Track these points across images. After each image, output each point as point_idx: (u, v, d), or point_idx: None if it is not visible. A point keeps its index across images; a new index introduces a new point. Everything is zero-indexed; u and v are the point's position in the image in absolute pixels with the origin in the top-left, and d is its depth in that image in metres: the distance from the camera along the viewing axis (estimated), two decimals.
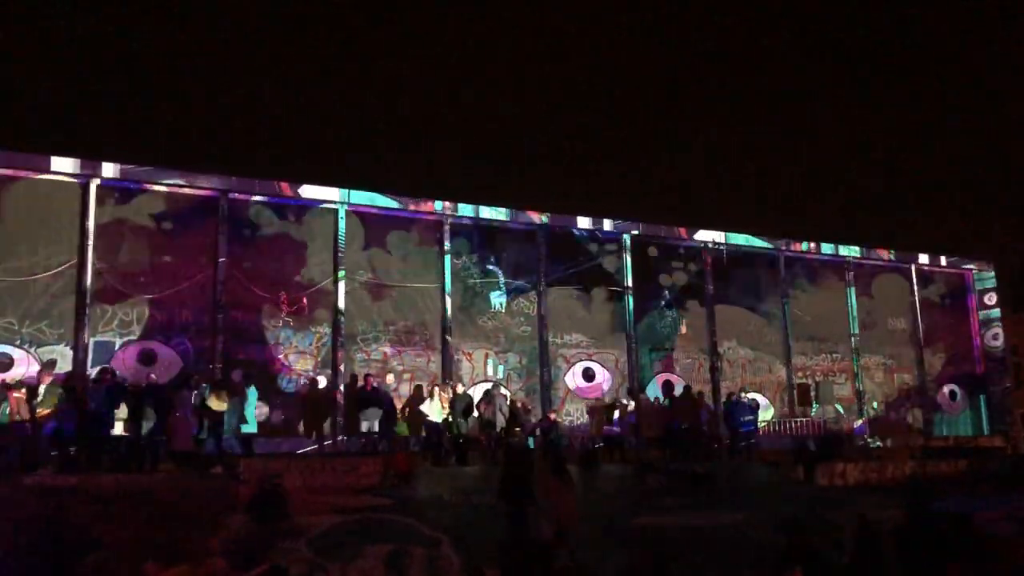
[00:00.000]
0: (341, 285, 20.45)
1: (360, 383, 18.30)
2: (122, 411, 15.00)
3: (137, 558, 6.34)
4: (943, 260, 29.15)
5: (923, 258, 28.72)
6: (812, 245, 26.99)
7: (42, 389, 14.57)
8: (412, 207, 21.67)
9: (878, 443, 24.34)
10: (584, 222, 23.72)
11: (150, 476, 14.09)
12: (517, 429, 18.13)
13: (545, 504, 10.95)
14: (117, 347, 18.21)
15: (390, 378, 19.55)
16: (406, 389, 19.98)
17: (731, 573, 11.56)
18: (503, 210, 22.73)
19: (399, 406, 18.42)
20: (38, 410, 14.18)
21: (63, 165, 18.31)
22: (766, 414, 24.29)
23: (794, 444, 21.55)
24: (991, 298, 29.21)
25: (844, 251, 27.37)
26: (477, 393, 20.74)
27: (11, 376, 16.28)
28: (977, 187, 61.19)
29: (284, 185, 20.36)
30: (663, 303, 24.46)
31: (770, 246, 26.26)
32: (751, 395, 22.54)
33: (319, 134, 56.67)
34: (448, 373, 20.88)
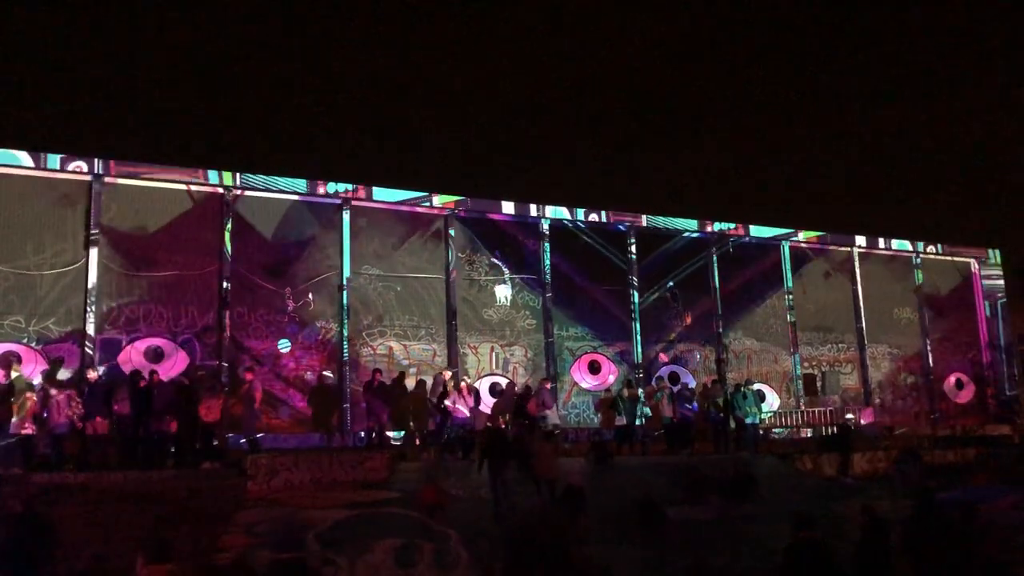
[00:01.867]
0: (346, 280, 20.47)
1: (369, 377, 18.42)
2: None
3: (139, 555, 6.40)
4: (949, 249, 29.08)
5: (929, 247, 28.65)
6: (818, 235, 26.92)
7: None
8: (417, 201, 21.68)
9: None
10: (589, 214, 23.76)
11: (159, 473, 14.14)
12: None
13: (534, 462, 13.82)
14: (124, 344, 18.24)
15: (447, 374, 19.40)
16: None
17: (738, 566, 11.58)
18: (509, 204, 22.78)
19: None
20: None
21: (69, 163, 18.34)
22: (771, 405, 24.26)
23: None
24: (998, 287, 29.14)
25: (850, 240, 27.29)
26: (482, 387, 20.89)
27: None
28: (984, 176, 60.93)
29: (288, 180, 20.37)
30: (668, 295, 24.42)
31: (775, 236, 26.19)
32: (756, 386, 22.50)
33: (323, 129, 56.61)
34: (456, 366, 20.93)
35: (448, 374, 19.25)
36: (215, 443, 15.66)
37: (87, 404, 14.74)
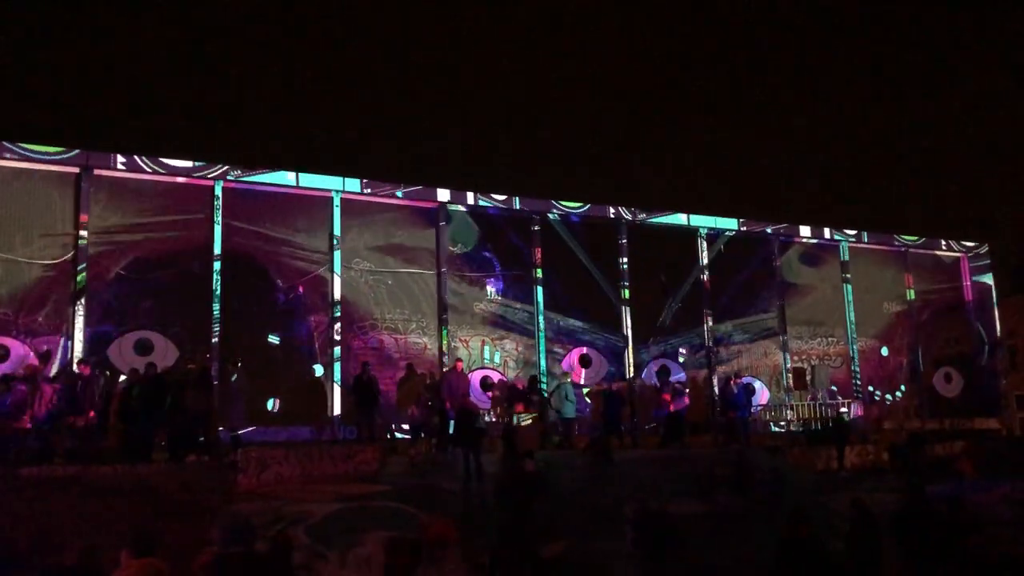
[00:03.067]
0: (337, 273, 20.40)
1: (358, 371, 18.43)
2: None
3: (124, 549, 6.38)
4: (939, 242, 29.15)
5: (919, 240, 28.71)
6: (807, 229, 26.95)
7: None
8: (407, 194, 21.61)
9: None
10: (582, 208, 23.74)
11: (148, 467, 14.09)
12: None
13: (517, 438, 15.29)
14: (113, 337, 18.14)
15: (460, 364, 19.60)
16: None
17: (731, 559, 11.60)
18: (500, 197, 22.70)
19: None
20: None
21: (58, 155, 18.22)
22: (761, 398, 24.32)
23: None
24: (987, 280, 29.22)
25: (839, 235, 27.34)
26: (473, 380, 20.88)
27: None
28: (973, 169, 61.22)
29: (280, 173, 20.28)
30: (659, 288, 24.39)
31: (765, 230, 26.21)
32: (746, 379, 22.52)
33: (316, 121, 56.46)
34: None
35: (461, 364, 19.51)
36: (201, 437, 15.65)
37: (80, 397, 14.69)
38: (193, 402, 15.41)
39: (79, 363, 16.31)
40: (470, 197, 22.39)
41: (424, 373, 19.23)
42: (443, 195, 22.02)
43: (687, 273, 24.86)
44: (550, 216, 23.31)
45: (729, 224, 25.67)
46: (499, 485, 13.60)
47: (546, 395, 19.86)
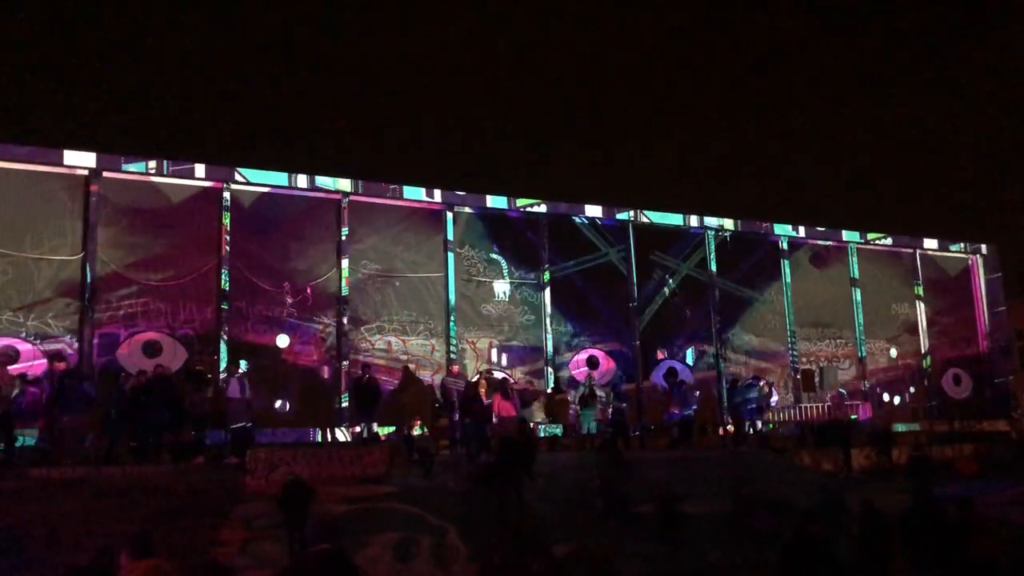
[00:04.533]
0: (344, 275, 20.45)
1: (359, 374, 18.48)
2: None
3: (123, 550, 6.38)
4: (948, 245, 29.06)
5: (928, 243, 28.62)
6: (816, 230, 26.90)
7: None
8: (415, 196, 21.65)
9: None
10: (591, 210, 23.69)
11: (155, 468, 14.15)
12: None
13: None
14: (122, 339, 18.21)
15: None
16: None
17: (734, 559, 11.61)
18: (505, 198, 22.72)
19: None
20: None
21: (68, 158, 18.30)
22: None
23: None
24: (996, 283, 29.11)
25: (848, 236, 27.26)
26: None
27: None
28: (982, 172, 61.01)
29: (287, 175, 20.34)
30: (666, 289, 24.36)
31: (773, 231, 26.16)
32: (754, 380, 22.45)
33: (321, 123, 56.56)
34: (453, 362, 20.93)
35: (456, 368, 19.58)
36: (198, 434, 15.79)
37: (71, 397, 14.78)
38: (190, 404, 15.53)
39: (54, 360, 16.25)
40: (478, 198, 22.43)
41: (431, 382, 19.25)
42: (451, 197, 22.06)
43: (695, 275, 24.81)
44: (576, 219, 23.35)
45: (736, 224, 25.63)
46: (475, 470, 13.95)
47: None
